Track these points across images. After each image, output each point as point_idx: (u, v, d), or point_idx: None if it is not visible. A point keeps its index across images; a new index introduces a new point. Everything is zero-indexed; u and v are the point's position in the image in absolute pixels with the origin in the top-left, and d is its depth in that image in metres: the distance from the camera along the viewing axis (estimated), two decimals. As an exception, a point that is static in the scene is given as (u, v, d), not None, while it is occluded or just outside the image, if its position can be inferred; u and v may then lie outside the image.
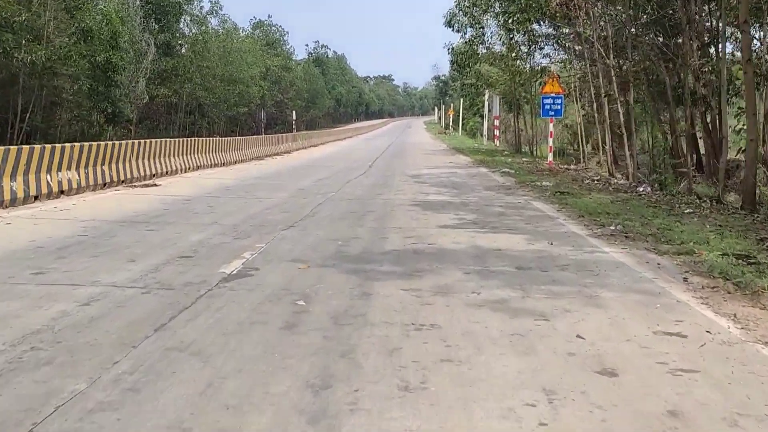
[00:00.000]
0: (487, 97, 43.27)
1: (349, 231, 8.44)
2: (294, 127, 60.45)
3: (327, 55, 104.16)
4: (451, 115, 71.26)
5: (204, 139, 18.96)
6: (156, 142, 15.46)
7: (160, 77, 42.81)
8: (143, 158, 14.75)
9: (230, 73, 50.83)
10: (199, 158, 18.55)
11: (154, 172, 15.16)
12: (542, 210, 10.75)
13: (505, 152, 31.28)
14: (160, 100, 44.66)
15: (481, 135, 48.17)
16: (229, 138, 22.19)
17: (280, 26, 74.30)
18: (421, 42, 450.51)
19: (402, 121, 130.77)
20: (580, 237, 8.13)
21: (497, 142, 39.26)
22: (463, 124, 62.37)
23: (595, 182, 15.91)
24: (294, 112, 65.25)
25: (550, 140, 23.65)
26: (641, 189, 13.43)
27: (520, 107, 34.22)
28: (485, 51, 30.14)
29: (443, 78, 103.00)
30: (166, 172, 15.94)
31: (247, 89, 53.92)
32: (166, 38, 42.90)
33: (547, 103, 22.52)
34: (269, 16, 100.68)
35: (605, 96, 16.31)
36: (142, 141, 14.81)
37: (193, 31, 49.81)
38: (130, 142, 14.24)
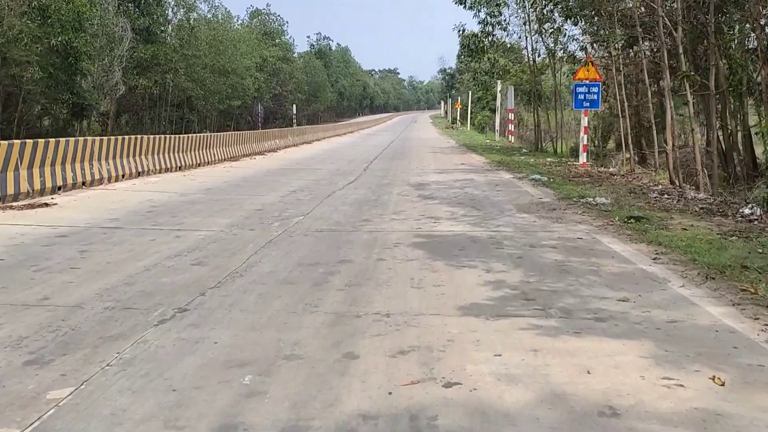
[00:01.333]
0: (499, 88, 38.98)
1: (285, 329, 4.28)
2: (294, 121, 56.30)
3: (330, 48, 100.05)
4: (458, 109, 66.88)
5: (151, 136, 14.82)
6: (62, 141, 11.26)
7: (140, 66, 38.71)
8: (42, 165, 10.58)
9: (221, 63, 46.70)
10: (142, 161, 14.39)
11: (60, 183, 11.00)
12: (627, 258, 6.53)
13: (524, 150, 27.03)
14: (142, 92, 40.50)
15: (492, 130, 43.91)
16: (193, 135, 18.07)
17: (279, 16, 70.31)
18: (427, 36, 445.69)
19: (407, 115, 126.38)
20: (755, 348, 3.94)
21: (512, 138, 34.96)
22: (471, 119, 58.06)
23: (665, 197, 11.66)
24: (294, 105, 61.12)
25: (584, 137, 19.44)
26: (747, 211, 9.22)
27: (540, 98, 29.95)
28: (502, 32, 25.96)
29: (449, 71, 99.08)
30: (83, 183, 11.79)
31: (241, 81, 49.86)
32: (146, 23, 38.64)
33: (581, 92, 18.42)
34: (268, 5, 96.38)
35: (684, 77, 11.95)
36: (39, 141, 10.64)
37: (179, 16, 45.61)
38: (15, 142, 10.08)
